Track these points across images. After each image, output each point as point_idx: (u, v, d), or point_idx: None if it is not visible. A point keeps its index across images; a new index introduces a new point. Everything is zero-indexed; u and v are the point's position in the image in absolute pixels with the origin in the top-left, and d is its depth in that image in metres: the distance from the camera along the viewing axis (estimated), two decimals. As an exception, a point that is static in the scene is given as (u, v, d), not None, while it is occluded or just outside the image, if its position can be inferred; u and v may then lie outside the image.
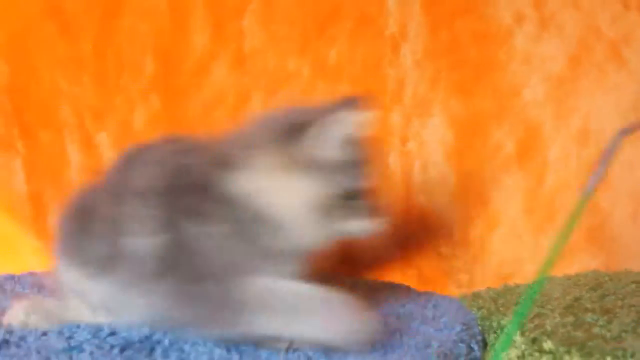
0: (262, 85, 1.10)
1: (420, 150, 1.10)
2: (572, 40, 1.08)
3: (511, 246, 1.08)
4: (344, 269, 1.10)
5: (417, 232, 1.11)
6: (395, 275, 1.09)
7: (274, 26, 1.08)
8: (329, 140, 0.62)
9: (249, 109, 1.10)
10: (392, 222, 0.80)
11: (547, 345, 0.67)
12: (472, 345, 0.74)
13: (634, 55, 1.08)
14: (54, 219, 0.68)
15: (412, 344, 0.70)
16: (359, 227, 0.65)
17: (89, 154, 1.16)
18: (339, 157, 0.63)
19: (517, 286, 0.96)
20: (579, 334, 0.68)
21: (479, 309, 0.83)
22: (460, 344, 0.71)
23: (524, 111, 1.09)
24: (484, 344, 0.79)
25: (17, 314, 0.69)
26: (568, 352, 0.63)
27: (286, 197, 0.63)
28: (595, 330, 0.70)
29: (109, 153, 1.14)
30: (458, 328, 0.79)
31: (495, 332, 0.78)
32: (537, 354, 0.65)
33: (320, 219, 0.63)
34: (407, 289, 1.00)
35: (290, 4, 1.08)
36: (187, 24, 1.11)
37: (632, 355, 0.60)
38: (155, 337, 0.67)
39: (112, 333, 0.67)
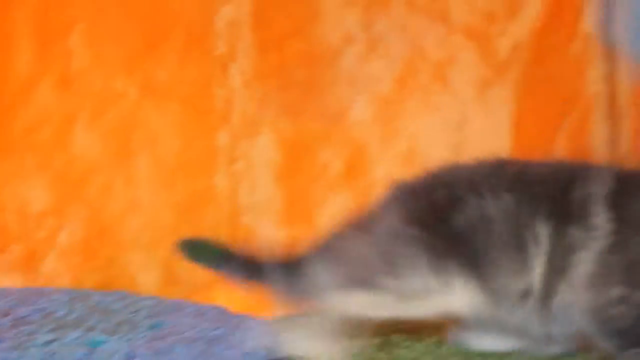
0: (88, 107, 1.15)
1: (248, 171, 1.16)
2: (398, 62, 1.17)
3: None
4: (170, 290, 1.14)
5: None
6: (220, 297, 1.13)
7: (101, 46, 1.14)
8: None
9: (75, 130, 1.15)
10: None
11: None
12: None
13: (458, 76, 1.17)
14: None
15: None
16: None
17: None
18: None
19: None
20: (382, 355, 0.75)
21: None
22: None
23: (350, 132, 1.16)
24: None
25: None
26: None
27: None
28: (400, 351, 0.76)
29: None
30: (263, 353, 0.84)
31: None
32: None
33: None
34: (223, 312, 1.03)
35: (118, 23, 1.14)
36: (10, 44, 1.16)
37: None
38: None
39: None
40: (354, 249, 0.73)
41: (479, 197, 0.68)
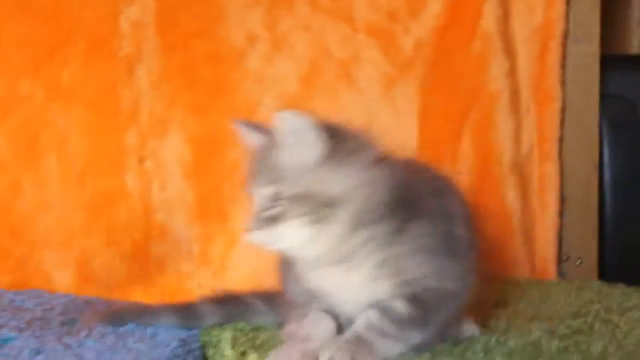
0: None
1: (159, 169, 1.22)
2: (303, 61, 1.23)
3: (251, 262, 1.20)
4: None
5: (157, 250, 1.23)
6: (136, 294, 1.21)
7: (4, 49, 1.19)
8: None
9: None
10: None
11: (252, 357, 0.78)
12: None
13: (363, 74, 1.24)
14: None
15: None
16: None
17: None
18: None
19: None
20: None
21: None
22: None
23: None
24: (204, 359, 0.89)
25: None
26: None
27: None
28: None
29: None
30: (175, 344, 0.88)
31: (214, 347, 0.87)
32: None
33: None
34: None
35: (20, 27, 1.18)
36: None
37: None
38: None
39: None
40: None
41: None
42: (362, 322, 0.74)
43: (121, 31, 1.15)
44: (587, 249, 1.30)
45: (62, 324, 0.98)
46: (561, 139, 1.26)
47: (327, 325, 0.79)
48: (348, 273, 0.75)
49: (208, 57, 1.17)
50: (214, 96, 1.18)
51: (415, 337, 0.75)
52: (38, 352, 0.85)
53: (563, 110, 1.26)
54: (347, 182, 0.74)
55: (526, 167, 1.26)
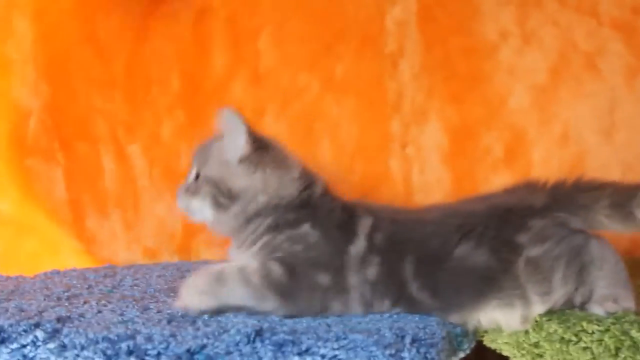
0: (276, 100, 1.54)
1: (418, 154, 1.52)
2: (551, 53, 1.54)
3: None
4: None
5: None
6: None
7: (286, 46, 1.52)
8: None
9: (265, 121, 1.52)
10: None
11: None
12: None
13: (607, 66, 1.55)
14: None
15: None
16: None
17: (121, 164, 1.60)
18: None
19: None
20: None
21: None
22: None
23: (510, 117, 1.55)
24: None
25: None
26: (549, 320, 0.98)
27: None
28: None
29: (140, 162, 1.57)
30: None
31: None
32: None
33: None
34: None
35: (300, 26, 1.53)
36: (209, 46, 1.54)
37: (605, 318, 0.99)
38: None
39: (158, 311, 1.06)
40: None
41: None
42: (237, 263, 1.00)
43: (387, 29, 1.46)
44: None
45: None
46: None
47: None
48: (241, 252, 1.03)
49: (464, 51, 1.49)
50: (469, 87, 1.63)
51: (271, 304, 0.97)
52: None
53: None
54: (247, 184, 1.02)
55: None
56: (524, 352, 0.99)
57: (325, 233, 1.02)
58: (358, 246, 1.01)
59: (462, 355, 1.01)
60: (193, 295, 0.99)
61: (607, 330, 0.95)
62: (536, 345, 0.98)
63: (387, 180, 1.64)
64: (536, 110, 1.61)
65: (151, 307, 1.08)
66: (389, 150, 1.63)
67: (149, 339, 0.85)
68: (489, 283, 1.00)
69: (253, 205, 1.03)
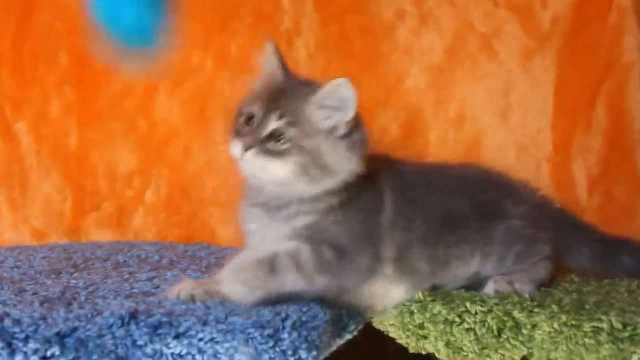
0: (168, 78, 1.57)
1: None
2: (448, 34, 1.59)
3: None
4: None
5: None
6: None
7: (178, 22, 1.54)
8: None
9: (157, 100, 1.56)
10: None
11: (417, 294, 1.06)
12: None
13: (503, 47, 1.61)
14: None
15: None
16: None
17: (8, 142, 1.62)
18: None
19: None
20: None
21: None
22: None
23: (406, 98, 1.60)
24: None
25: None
26: (433, 300, 1.04)
27: None
28: None
29: (27, 140, 1.59)
30: None
31: None
32: (408, 302, 1.05)
33: None
34: None
35: (193, 1, 1.56)
36: None
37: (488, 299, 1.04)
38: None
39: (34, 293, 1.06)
40: None
41: None
42: (288, 247, 0.98)
43: (282, 7, 1.51)
44: None
45: None
46: None
47: None
48: (276, 221, 1.01)
49: (360, 31, 1.55)
50: (366, 66, 1.66)
51: (319, 286, 0.99)
52: None
53: None
54: (345, 163, 0.99)
55: None
56: (409, 333, 1.02)
57: (364, 212, 1.03)
58: (387, 214, 1.05)
59: (348, 336, 1.05)
60: (244, 290, 0.96)
61: (490, 311, 0.98)
62: (421, 326, 1.01)
63: None
64: (432, 91, 1.63)
65: (27, 289, 1.07)
66: None
67: (18, 321, 0.84)
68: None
69: (339, 182, 1.00)
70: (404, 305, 1.06)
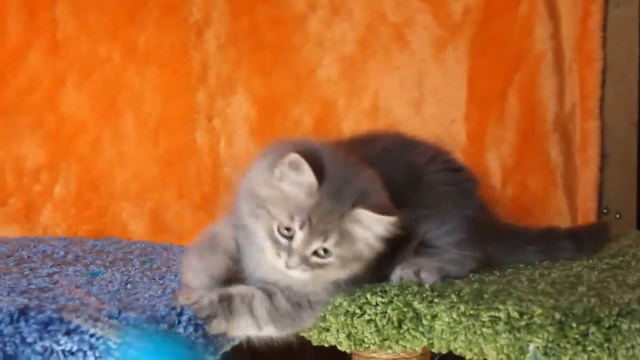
0: (75, 71, 1.58)
1: (225, 126, 1.60)
2: (360, 25, 1.62)
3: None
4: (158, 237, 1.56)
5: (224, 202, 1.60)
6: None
7: (85, 14, 1.57)
8: None
9: (64, 93, 1.56)
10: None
11: None
12: None
13: (415, 38, 1.63)
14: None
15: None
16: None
17: None
18: None
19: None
20: None
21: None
22: None
23: (319, 89, 1.63)
24: None
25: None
26: None
27: None
28: None
29: None
30: None
31: None
32: None
33: None
34: None
35: None
36: (2, 14, 1.58)
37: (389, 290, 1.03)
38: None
39: None
40: None
41: None
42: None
43: None
44: (626, 203, 1.70)
45: (143, 263, 1.33)
46: (602, 99, 1.67)
47: None
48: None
49: (272, 22, 1.65)
50: (277, 58, 1.66)
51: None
52: (127, 282, 1.16)
53: (604, 71, 1.67)
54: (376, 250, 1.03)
55: (569, 124, 1.69)
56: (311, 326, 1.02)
57: None
58: None
59: None
60: None
61: (391, 302, 0.99)
62: (323, 319, 1.01)
63: (193, 153, 1.63)
64: (345, 82, 1.63)
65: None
66: (195, 123, 1.63)
67: None
68: None
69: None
70: None
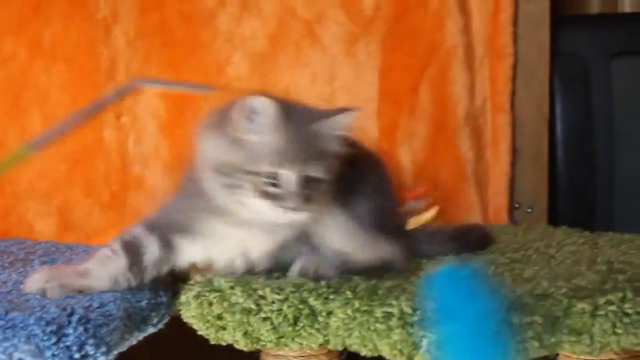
0: None
1: (134, 124, 1.60)
2: (270, 21, 1.63)
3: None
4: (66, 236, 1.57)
5: (133, 201, 1.61)
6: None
7: None
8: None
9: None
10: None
11: (218, 283, 1.07)
12: (158, 292, 1.08)
13: (326, 33, 1.65)
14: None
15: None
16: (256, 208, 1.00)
17: None
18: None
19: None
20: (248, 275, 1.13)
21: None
22: (144, 290, 1.05)
23: (229, 86, 1.61)
24: (174, 291, 1.14)
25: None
26: (232, 287, 1.01)
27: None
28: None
29: None
30: None
31: (183, 280, 1.14)
32: (208, 293, 1.04)
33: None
34: None
35: None
36: None
37: (285, 287, 1.02)
38: None
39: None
40: None
41: None
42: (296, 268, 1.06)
43: None
44: (537, 197, 1.73)
45: (43, 263, 1.30)
46: (513, 93, 1.70)
47: None
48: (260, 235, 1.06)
49: (181, 18, 1.65)
50: (187, 54, 1.66)
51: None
52: (22, 283, 1.10)
53: (515, 66, 1.70)
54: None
55: (480, 119, 1.72)
56: (208, 324, 1.02)
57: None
58: None
59: (152, 330, 1.05)
60: None
61: (287, 299, 0.99)
62: (219, 317, 1.01)
63: (100, 151, 1.62)
64: (256, 78, 1.63)
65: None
66: (102, 120, 1.62)
67: None
68: None
69: None
70: (203, 296, 1.05)
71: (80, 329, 0.90)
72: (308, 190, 1.00)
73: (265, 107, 0.98)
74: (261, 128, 0.99)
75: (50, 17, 1.62)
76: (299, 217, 1.01)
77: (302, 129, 1.01)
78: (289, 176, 0.99)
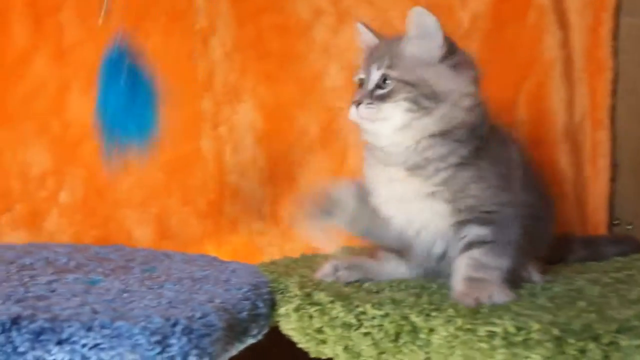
0: (81, 76, 1.64)
1: (232, 134, 1.65)
2: None
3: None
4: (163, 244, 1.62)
5: (230, 210, 1.66)
6: (209, 250, 1.62)
7: (91, 20, 1.62)
8: None
9: (70, 98, 1.63)
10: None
11: (318, 297, 1.11)
12: (257, 303, 1.08)
13: None
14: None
15: (196, 300, 1.02)
16: None
17: None
18: None
19: (315, 255, 1.43)
20: (347, 289, 1.16)
21: (272, 273, 1.30)
22: (244, 302, 1.06)
23: (325, 97, 1.66)
24: (272, 303, 1.18)
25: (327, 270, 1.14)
26: (332, 302, 1.03)
27: None
28: (364, 285, 1.20)
29: None
30: (246, 288, 1.18)
31: (281, 293, 1.20)
32: (308, 306, 1.09)
33: None
34: (213, 258, 1.48)
35: None
36: (8, 19, 1.64)
37: (385, 303, 1.04)
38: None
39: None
40: None
41: None
42: (465, 265, 1.06)
43: (196, 5, 1.59)
44: (637, 213, 1.69)
45: (143, 271, 1.34)
46: (613, 108, 1.68)
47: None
48: (413, 180, 1.08)
49: (277, 29, 1.67)
50: (283, 66, 1.67)
51: (507, 262, 1.06)
52: (124, 291, 1.11)
53: (615, 80, 1.67)
54: (452, 85, 1.08)
55: (579, 134, 1.69)
56: (308, 337, 1.04)
57: (500, 171, 1.11)
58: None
59: (251, 341, 1.06)
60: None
61: (387, 315, 0.99)
62: (319, 330, 1.03)
63: (198, 161, 1.65)
64: (351, 90, 1.77)
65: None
66: (200, 130, 1.66)
67: None
68: None
69: (458, 109, 1.08)
70: (304, 309, 1.07)
71: (184, 339, 0.92)
72: (381, 90, 1.08)
73: (363, 31, 1.24)
74: (362, 44, 1.23)
75: (151, 30, 1.66)
76: (359, 114, 1.10)
77: (388, 40, 1.17)
78: (364, 76, 1.13)
